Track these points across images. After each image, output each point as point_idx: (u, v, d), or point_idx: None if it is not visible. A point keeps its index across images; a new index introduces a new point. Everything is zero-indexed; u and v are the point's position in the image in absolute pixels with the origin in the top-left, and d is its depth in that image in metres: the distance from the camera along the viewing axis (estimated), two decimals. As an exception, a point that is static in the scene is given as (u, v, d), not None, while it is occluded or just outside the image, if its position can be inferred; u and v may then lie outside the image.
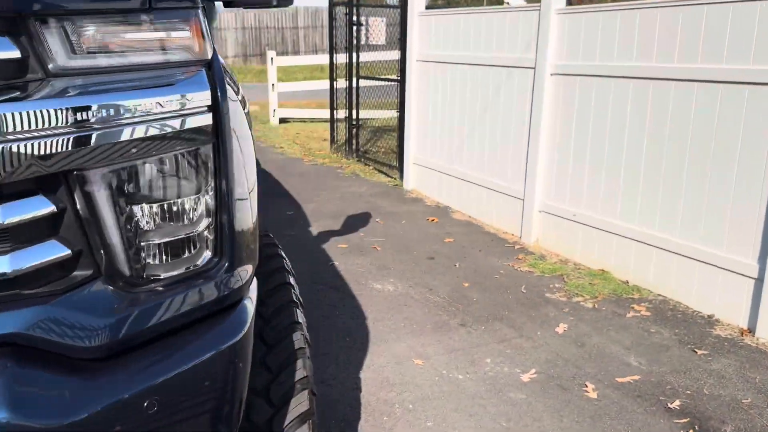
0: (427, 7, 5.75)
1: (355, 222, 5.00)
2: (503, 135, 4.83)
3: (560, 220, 4.35)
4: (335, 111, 7.66)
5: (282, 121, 10.18)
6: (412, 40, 5.84)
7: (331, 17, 7.44)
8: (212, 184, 1.12)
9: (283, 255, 1.77)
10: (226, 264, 1.15)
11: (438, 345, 3.07)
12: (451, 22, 5.34)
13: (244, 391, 1.24)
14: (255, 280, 1.38)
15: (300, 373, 1.56)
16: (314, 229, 4.82)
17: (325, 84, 8.36)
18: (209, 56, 1.12)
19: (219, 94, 1.10)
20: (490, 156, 5.01)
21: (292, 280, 1.69)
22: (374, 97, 7.01)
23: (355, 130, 7.27)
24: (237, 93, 1.37)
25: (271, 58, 9.90)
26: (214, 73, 1.12)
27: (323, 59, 9.42)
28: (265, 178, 6.52)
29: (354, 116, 7.22)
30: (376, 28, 7.46)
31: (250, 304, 1.25)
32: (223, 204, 1.13)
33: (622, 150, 3.87)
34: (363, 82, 7.11)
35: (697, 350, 3.02)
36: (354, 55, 7.08)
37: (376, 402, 2.59)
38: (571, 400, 2.62)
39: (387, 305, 3.50)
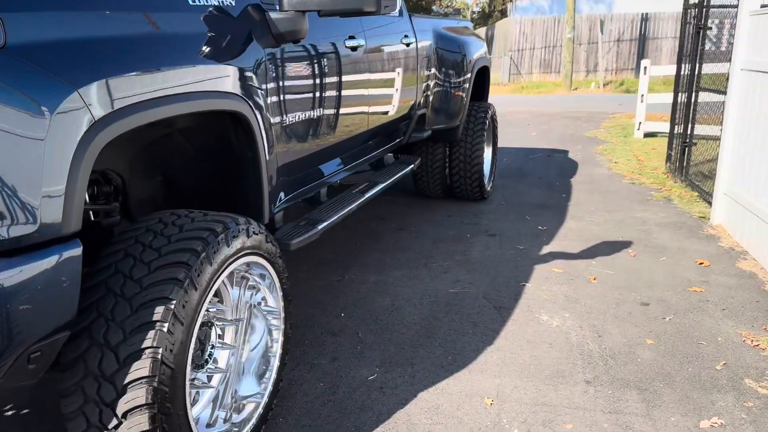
0: (763, 6, 4.63)
1: (602, 249, 4.47)
2: (806, 168, 3.65)
3: None
4: (675, 127, 6.75)
5: (648, 135, 9.34)
6: (738, 45, 4.80)
7: (684, 22, 6.55)
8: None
9: (219, 241, 1.93)
10: None
11: (532, 393, 2.67)
12: (776, 21, 4.22)
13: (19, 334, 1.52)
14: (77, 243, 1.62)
15: (148, 342, 1.74)
16: (548, 248, 4.50)
17: (710, 96, 7.22)
18: None
19: None
20: (791, 194, 3.84)
21: (193, 261, 1.84)
22: (716, 113, 5.94)
23: (687, 149, 6.29)
24: None
25: (645, 67, 9.17)
26: None
27: (712, 68, 8.16)
28: (559, 191, 6.25)
29: (687, 133, 6.25)
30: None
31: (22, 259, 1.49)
32: None
33: None
34: (704, 96, 6.08)
35: None
36: (696, 63, 6.11)
37: (402, 423, 2.47)
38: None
39: (530, 338, 3.15)
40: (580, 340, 3.15)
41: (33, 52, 1.51)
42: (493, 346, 3.09)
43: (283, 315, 2.43)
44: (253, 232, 2.15)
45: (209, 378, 2.26)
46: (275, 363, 2.42)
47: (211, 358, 2.23)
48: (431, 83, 4.74)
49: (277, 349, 2.43)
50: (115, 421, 1.76)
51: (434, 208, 5.56)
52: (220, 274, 1.97)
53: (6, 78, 1.45)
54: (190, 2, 2.10)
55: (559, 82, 21.80)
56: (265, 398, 2.36)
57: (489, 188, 5.88)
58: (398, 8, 4.22)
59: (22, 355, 1.56)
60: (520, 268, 4.13)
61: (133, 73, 1.74)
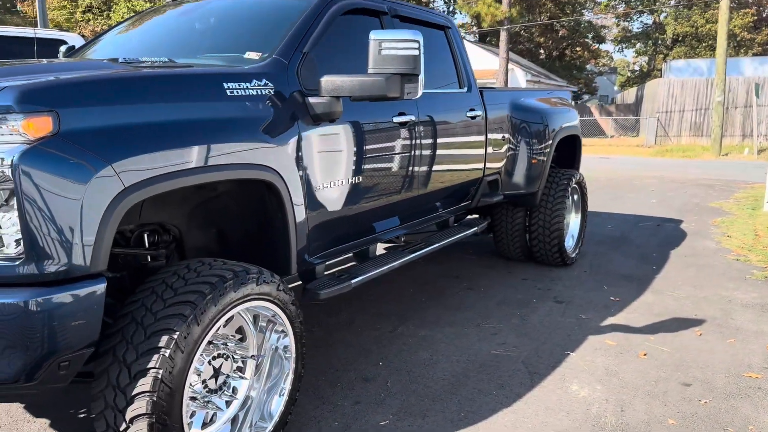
0: None
1: (668, 325, 4.37)
2: None
3: None
4: (791, 202, 6.32)
5: (780, 208, 8.70)
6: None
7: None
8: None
9: (226, 286, 2.35)
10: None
11: (526, 456, 2.78)
12: None
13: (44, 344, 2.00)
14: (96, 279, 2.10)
15: (152, 363, 2.18)
16: (612, 320, 4.47)
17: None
18: None
19: None
20: None
21: (199, 301, 2.27)
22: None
23: (798, 227, 5.88)
24: None
25: (777, 137, 8.61)
26: None
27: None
28: (651, 263, 6.08)
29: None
30: None
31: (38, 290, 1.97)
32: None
33: None
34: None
35: None
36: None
37: (393, 467, 2.70)
38: None
39: (550, 405, 3.23)
40: (599, 412, 3.18)
41: (80, 136, 2.04)
42: (509, 408, 3.21)
43: (294, 356, 2.79)
44: (264, 281, 2.54)
45: (228, 404, 2.66)
46: (284, 397, 2.77)
47: (226, 386, 2.64)
48: (503, 151, 4.97)
49: (287, 385, 2.78)
50: (124, 425, 2.20)
51: (513, 270, 5.69)
52: (224, 313, 2.38)
53: (59, 155, 1.99)
54: (228, 93, 2.60)
55: (708, 146, 20.61)
56: (270, 427, 2.70)
57: (574, 255, 5.89)
58: (468, 85, 4.56)
59: (54, 362, 2.05)
60: (572, 336, 4.17)
61: (160, 151, 2.24)
